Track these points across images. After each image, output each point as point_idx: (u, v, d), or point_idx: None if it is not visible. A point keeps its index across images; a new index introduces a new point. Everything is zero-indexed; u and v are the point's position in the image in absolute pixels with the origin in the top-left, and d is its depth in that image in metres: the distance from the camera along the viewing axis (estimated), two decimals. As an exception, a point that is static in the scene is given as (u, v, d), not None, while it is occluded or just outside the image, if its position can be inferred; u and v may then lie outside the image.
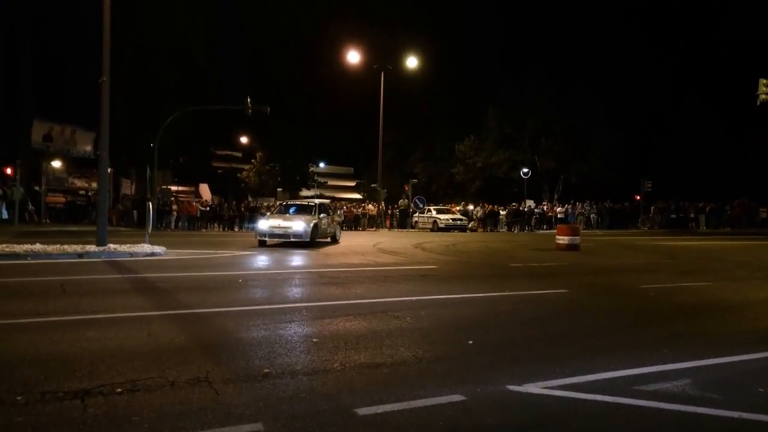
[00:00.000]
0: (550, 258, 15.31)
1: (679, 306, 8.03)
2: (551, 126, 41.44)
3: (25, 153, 28.60)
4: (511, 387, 4.15)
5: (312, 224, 17.51)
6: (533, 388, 4.15)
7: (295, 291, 8.84)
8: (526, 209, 34.87)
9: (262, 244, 17.57)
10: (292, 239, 17.30)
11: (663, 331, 6.40)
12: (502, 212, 34.42)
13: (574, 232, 18.51)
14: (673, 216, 34.89)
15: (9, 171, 27.64)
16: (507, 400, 3.91)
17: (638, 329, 6.52)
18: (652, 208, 35.67)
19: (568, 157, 41.52)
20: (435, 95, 48.36)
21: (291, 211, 19.45)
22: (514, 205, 35.37)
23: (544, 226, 33.71)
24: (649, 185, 35.84)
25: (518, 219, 33.44)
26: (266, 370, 4.44)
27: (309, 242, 17.31)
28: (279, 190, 49.68)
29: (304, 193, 57.28)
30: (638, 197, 37.00)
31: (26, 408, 3.56)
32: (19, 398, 3.71)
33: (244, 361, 4.72)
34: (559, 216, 34.04)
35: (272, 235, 17.62)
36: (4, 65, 31.99)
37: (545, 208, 36.53)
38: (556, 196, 42.70)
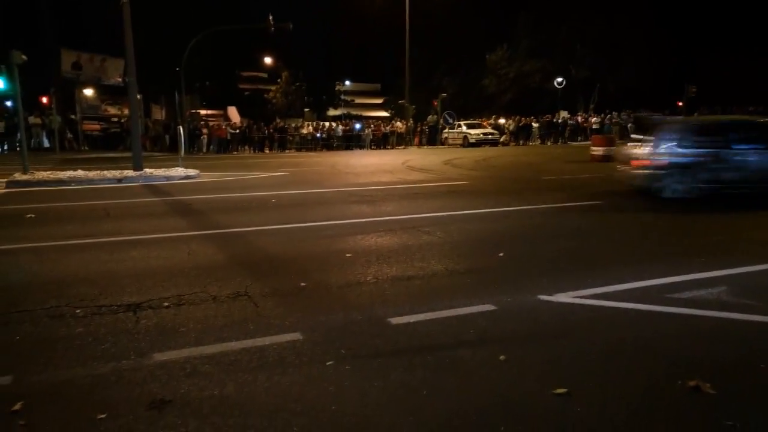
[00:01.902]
0: (584, 170, 15.02)
1: (720, 215, 7.87)
2: (586, 32, 39.05)
3: (57, 82, 28.84)
4: (542, 297, 4.23)
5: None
6: (564, 297, 4.22)
7: (326, 209, 8.98)
8: (559, 121, 33.83)
9: None
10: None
11: (699, 240, 6.33)
12: (534, 125, 33.50)
13: (609, 143, 17.98)
14: (721, 122, 33.39)
15: (45, 100, 28.06)
16: (538, 309, 4.00)
17: (674, 239, 6.46)
18: (695, 114, 34.11)
19: (604, 65, 39.44)
20: (463, 5, 45.86)
21: None
22: (547, 117, 34.30)
23: (579, 138, 32.79)
24: (694, 90, 34.04)
25: (552, 131, 32.56)
26: (302, 284, 4.63)
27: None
28: (306, 110, 49.27)
29: (331, 112, 56.69)
30: (680, 104, 35.29)
31: (85, 320, 3.83)
32: (78, 311, 4.00)
33: (281, 276, 4.91)
34: (594, 127, 32.94)
35: None
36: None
37: (580, 119, 35.33)
38: (591, 106, 41.12)
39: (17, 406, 2.65)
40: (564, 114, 35.58)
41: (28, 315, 3.94)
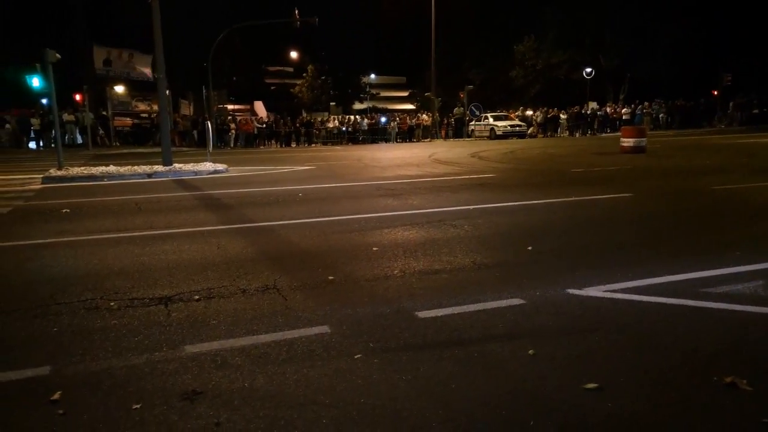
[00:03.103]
0: (614, 162, 14.73)
1: (756, 207, 7.64)
2: (615, 20, 38.10)
3: (89, 79, 29.55)
4: (572, 291, 4.16)
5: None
6: (594, 291, 4.15)
7: (353, 203, 9.01)
8: (588, 112, 33.21)
9: None
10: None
11: (735, 233, 6.14)
12: (563, 116, 32.98)
13: (639, 134, 17.61)
14: (756, 111, 32.19)
15: (78, 98, 28.81)
16: (568, 303, 3.94)
17: (708, 232, 6.29)
18: (731, 104, 33.05)
19: (634, 54, 38.46)
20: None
21: None
22: (575, 109, 33.71)
23: (608, 129, 32.17)
24: (729, 79, 32.99)
25: (580, 122, 32.02)
26: (330, 278, 4.65)
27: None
28: (332, 104, 49.40)
29: (357, 106, 56.68)
30: (715, 92, 34.23)
31: (119, 312, 3.93)
32: (112, 304, 4.10)
33: (309, 270, 4.95)
34: (624, 118, 32.25)
35: None
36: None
37: (609, 110, 34.62)
38: (621, 97, 40.22)
39: (56, 396, 2.74)
40: (593, 105, 34.92)
41: (65, 307, 4.06)
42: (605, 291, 4.15)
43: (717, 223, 6.83)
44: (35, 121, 27.64)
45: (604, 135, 30.79)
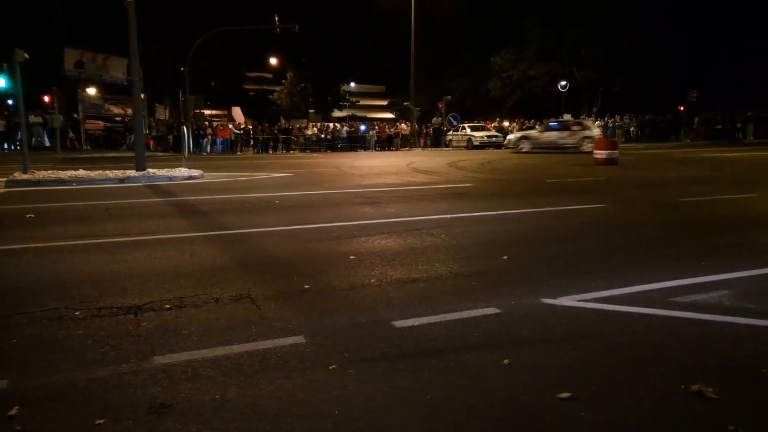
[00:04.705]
0: (588, 173, 14.97)
1: (720, 219, 7.82)
2: (595, 34, 38.96)
3: (59, 81, 28.93)
4: (546, 300, 4.18)
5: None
6: (568, 301, 4.17)
7: (331, 211, 8.95)
8: (563, 124, 33.74)
9: None
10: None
11: (701, 244, 6.28)
12: (538, 127, 33.46)
13: (611, 146, 17.96)
14: (719, 126, 33.23)
15: (47, 99, 28.16)
16: (542, 312, 3.95)
17: (675, 243, 6.40)
18: (696, 119, 34.01)
19: (611, 68, 39.35)
20: (470, 6, 45.82)
21: None
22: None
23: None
24: (695, 95, 33.99)
25: (555, 134, 32.45)
26: (306, 286, 4.59)
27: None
28: (311, 111, 49.29)
29: (336, 113, 56.64)
30: (682, 108, 35.21)
31: (85, 322, 3.79)
32: (77, 313, 3.96)
33: (284, 279, 4.87)
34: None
35: None
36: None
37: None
38: (594, 110, 41.06)
39: (13, 411, 2.61)
40: (567, 117, 35.53)
41: (27, 317, 3.90)
42: (579, 300, 4.18)
43: (684, 233, 6.96)
44: (0, 123, 26.88)
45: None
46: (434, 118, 36.61)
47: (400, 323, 3.72)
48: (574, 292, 4.35)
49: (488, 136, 31.06)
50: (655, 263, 5.29)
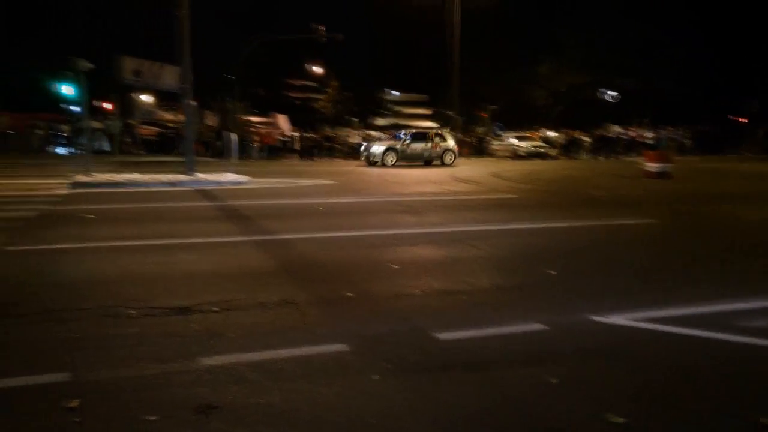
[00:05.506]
0: (638, 186, 14.51)
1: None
2: (635, 43, 37.96)
3: (117, 88, 30.20)
4: (595, 317, 4.06)
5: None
6: (618, 319, 4.04)
7: (373, 219, 8.99)
8: (611, 135, 32.91)
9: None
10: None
11: (765, 264, 5.97)
12: (585, 138, 32.71)
13: (664, 159, 17.32)
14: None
15: (108, 106, 29.43)
16: (591, 330, 3.84)
17: (736, 263, 6.11)
18: (759, 130, 32.47)
19: (657, 78, 38.17)
20: (513, 17, 45.41)
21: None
22: (599, 131, 33.45)
23: (633, 154, 31.80)
24: (756, 105, 32.49)
25: (603, 145, 31.70)
26: (349, 294, 4.61)
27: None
28: (354, 119, 49.71)
29: (379, 122, 56.92)
30: (743, 119, 33.72)
31: (138, 321, 3.93)
32: (132, 312, 4.11)
33: (327, 285, 4.92)
34: (648, 141, 31.87)
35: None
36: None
37: (632, 133, 34.24)
38: (646, 120, 39.83)
39: (74, 403, 2.73)
40: (615, 128, 34.60)
41: (86, 313, 4.08)
42: (630, 319, 4.04)
43: (746, 253, 6.63)
44: (65, 128, 28.28)
45: (627, 158, 30.42)
46: (478, 128, 36.32)
47: (443, 335, 3.69)
48: (624, 310, 4.20)
49: (534, 146, 30.53)
50: (714, 283, 5.06)
